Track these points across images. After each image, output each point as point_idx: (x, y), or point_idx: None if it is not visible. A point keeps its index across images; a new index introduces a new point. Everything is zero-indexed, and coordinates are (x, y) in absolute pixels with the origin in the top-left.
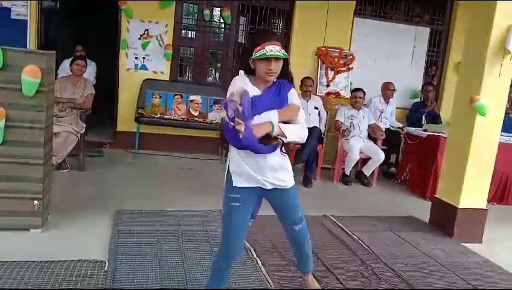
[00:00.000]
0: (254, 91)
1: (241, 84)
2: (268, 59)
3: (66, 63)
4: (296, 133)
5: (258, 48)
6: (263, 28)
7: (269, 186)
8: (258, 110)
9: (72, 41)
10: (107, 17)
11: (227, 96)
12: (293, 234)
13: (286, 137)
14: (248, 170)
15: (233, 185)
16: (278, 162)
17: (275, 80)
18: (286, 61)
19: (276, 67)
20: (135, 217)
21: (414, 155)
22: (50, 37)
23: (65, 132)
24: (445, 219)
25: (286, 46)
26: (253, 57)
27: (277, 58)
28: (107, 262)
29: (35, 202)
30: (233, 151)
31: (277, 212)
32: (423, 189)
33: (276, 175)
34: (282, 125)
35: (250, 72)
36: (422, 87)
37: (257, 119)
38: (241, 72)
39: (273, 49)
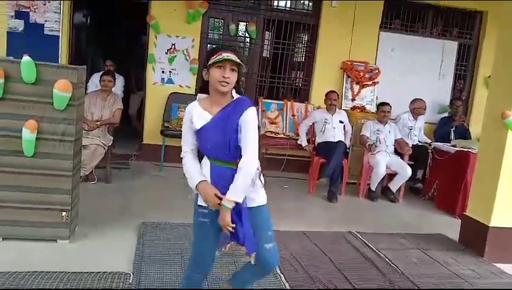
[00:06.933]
0: (203, 119)
1: (189, 113)
2: (223, 67)
3: (96, 77)
4: (244, 188)
5: (215, 55)
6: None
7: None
8: (208, 140)
9: (102, 56)
10: (136, 32)
11: (183, 123)
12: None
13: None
14: None
15: None
16: None
17: (233, 96)
18: (239, 75)
19: (232, 76)
20: (160, 230)
21: (442, 171)
22: (80, 52)
23: (93, 145)
24: (476, 237)
25: (311, 60)
26: (209, 63)
27: (232, 69)
28: (131, 275)
29: (63, 213)
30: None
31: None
32: (451, 206)
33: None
34: (231, 196)
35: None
36: (451, 102)
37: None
38: (198, 96)
39: (229, 54)
